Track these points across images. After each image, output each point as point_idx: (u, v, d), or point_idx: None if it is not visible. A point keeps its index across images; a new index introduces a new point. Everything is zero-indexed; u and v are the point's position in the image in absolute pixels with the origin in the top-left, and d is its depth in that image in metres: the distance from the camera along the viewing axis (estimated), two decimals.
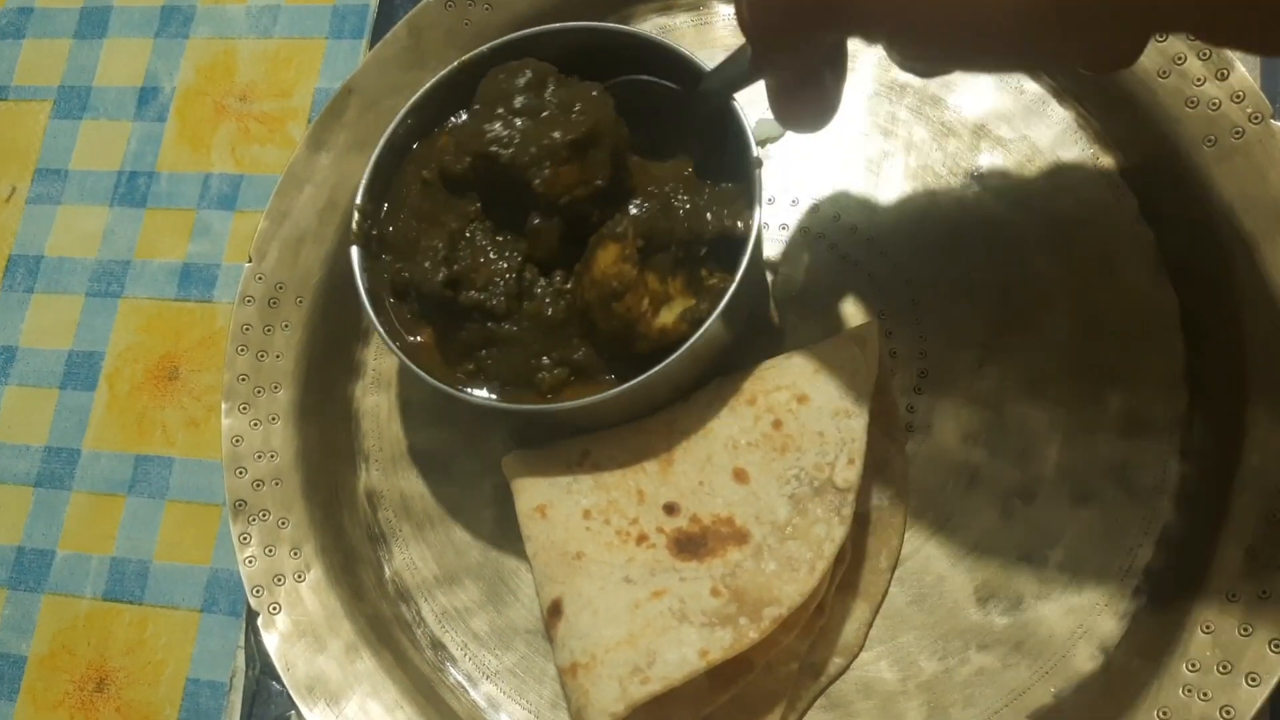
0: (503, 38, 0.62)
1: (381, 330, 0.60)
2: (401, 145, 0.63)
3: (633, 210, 0.58)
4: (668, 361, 0.57)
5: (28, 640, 0.72)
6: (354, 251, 0.62)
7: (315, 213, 0.70)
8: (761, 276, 0.65)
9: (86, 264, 0.79)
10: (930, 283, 0.64)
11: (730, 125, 0.59)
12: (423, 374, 0.59)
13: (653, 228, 0.58)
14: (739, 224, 0.58)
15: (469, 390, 0.59)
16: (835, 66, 0.51)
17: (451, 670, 0.63)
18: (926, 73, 0.53)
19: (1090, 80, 0.64)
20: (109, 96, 0.83)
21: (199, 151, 0.80)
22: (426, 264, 0.60)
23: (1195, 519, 0.57)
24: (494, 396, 0.59)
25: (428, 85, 0.63)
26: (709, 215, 0.58)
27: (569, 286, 0.59)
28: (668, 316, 0.58)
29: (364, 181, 0.62)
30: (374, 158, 0.62)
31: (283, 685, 0.63)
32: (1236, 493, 0.56)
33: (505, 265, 0.59)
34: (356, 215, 0.62)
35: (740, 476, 0.59)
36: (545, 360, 0.59)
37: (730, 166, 0.60)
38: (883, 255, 0.65)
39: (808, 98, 0.52)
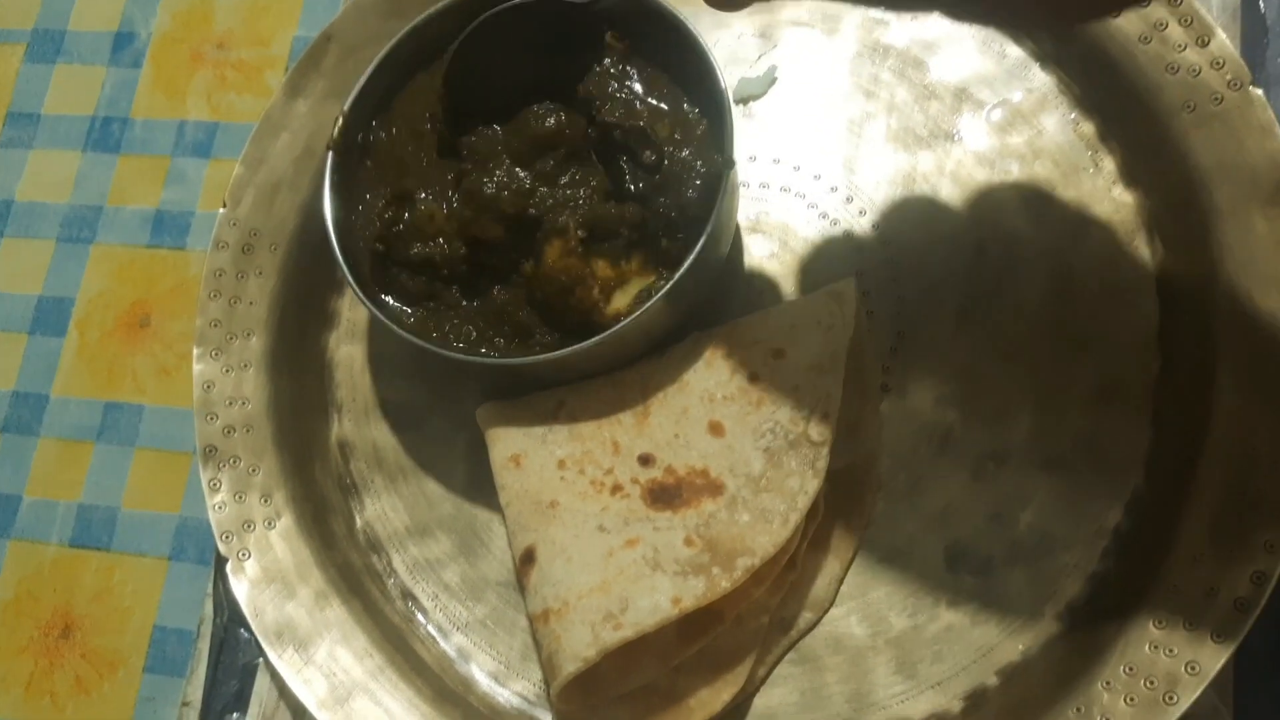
0: None
1: (353, 282, 0.59)
2: (401, 66, 0.62)
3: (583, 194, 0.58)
4: (634, 315, 0.56)
5: None
6: (329, 157, 0.60)
7: (291, 160, 0.68)
8: (732, 232, 0.63)
9: (58, 209, 0.77)
10: (909, 244, 0.63)
11: (703, 73, 0.58)
12: (396, 328, 0.58)
13: (595, 216, 0.57)
14: (709, 178, 0.57)
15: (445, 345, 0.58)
16: None
17: (422, 621, 0.62)
18: None
19: (1073, 45, 0.63)
20: (83, 41, 0.81)
21: (174, 98, 0.78)
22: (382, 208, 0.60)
23: (1164, 484, 0.57)
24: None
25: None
26: (683, 181, 0.57)
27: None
28: (621, 301, 0.58)
29: (355, 91, 0.61)
30: (369, 71, 0.61)
31: (251, 633, 0.62)
32: (1205, 458, 0.56)
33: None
34: (340, 121, 0.60)
35: (715, 429, 0.58)
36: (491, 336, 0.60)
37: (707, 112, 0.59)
38: (861, 215, 0.64)
39: None
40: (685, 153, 0.58)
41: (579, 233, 0.57)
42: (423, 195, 0.59)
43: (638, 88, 0.60)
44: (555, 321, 0.59)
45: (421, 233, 0.59)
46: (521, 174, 0.58)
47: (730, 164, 0.56)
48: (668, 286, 0.56)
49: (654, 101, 0.59)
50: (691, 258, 0.56)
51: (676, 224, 0.58)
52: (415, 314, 0.60)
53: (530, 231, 0.58)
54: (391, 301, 0.60)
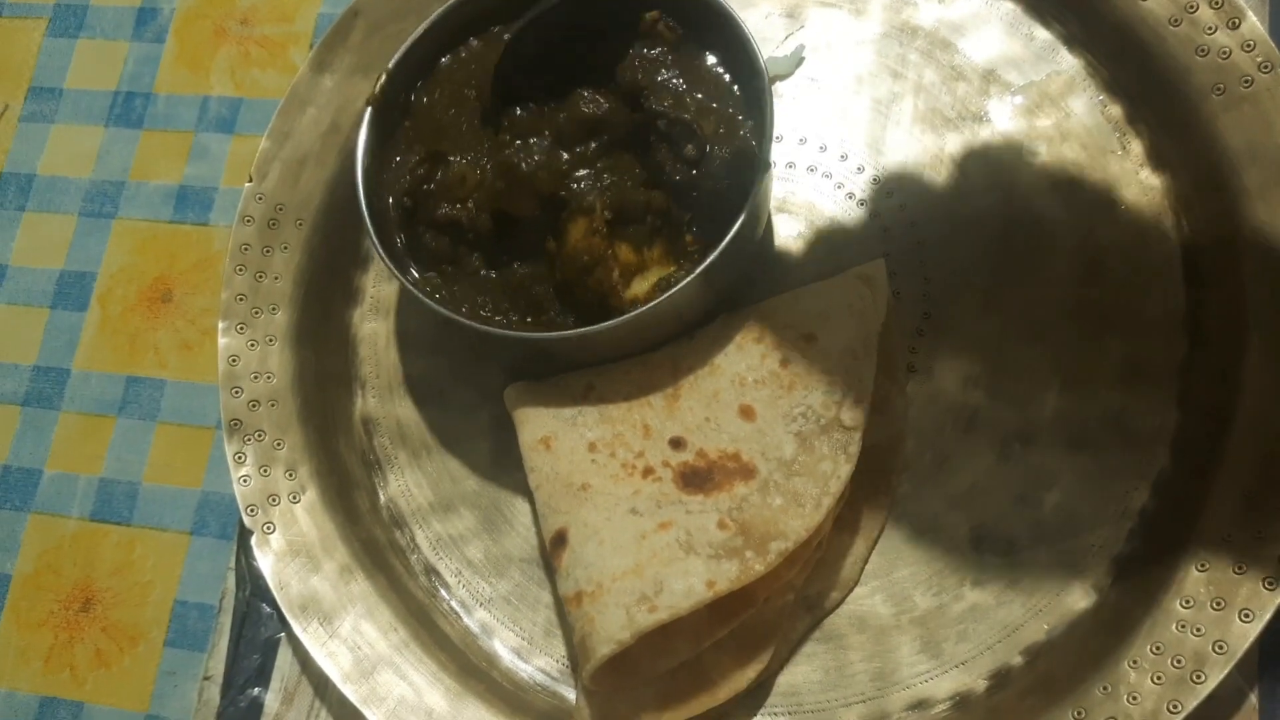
0: None
1: (377, 243, 0.58)
2: (452, 31, 0.61)
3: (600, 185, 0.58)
4: (661, 299, 0.55)
5: (12, 559, 0.69)
6: (367, 112, 0.60)
7: (318, 135, 0.68)
8: (763, 224, 0.63)
9: (80, 184, 0.76)
10: (935, 225, 0.63)
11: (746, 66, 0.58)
12: (426, 299, 0.58)
13: (623, 200, 0.56)
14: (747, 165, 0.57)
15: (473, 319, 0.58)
16: None
17: (445, 596, 0.62)
18: None
19: (1102, 27, 0.63)
20: (106, 16, 0.80)
21: (198, 74, 0.77)
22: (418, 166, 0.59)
23: (1191, 464, 0.56)
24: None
25: None
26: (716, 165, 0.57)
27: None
28: (640, 286, 0.57)
29: (402, 50, 0.60)
30: (418, 32, 0.61)
31: (273, 607, 0.62)
32: (1233, 439, 0.55)
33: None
34: (383, 78, 0.60)
35: (747, 413, 0.58)
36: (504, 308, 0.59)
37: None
38: (889, 196, 0.64)
39: None
40: (725, 149, 0.57)
41: (605, 214, 0.56)
42: (456, 158, 0.59)
43: (686, 79, 0.59)
44: (572, 301, 0.58)
45: (451, 193, 0.58)
46: (562, 155, 0.58)
47: (766, 167, 0.56)
48: (690, 277, 0.55)
49: (701, 95, 0.59)
50: (720, 249, 0.55)
51: (706, 218, 0.57)
52: (434, 282, 0.59)
53: (559, 210, 0.57)
54: (414, 269, 0.60)
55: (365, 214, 0.59)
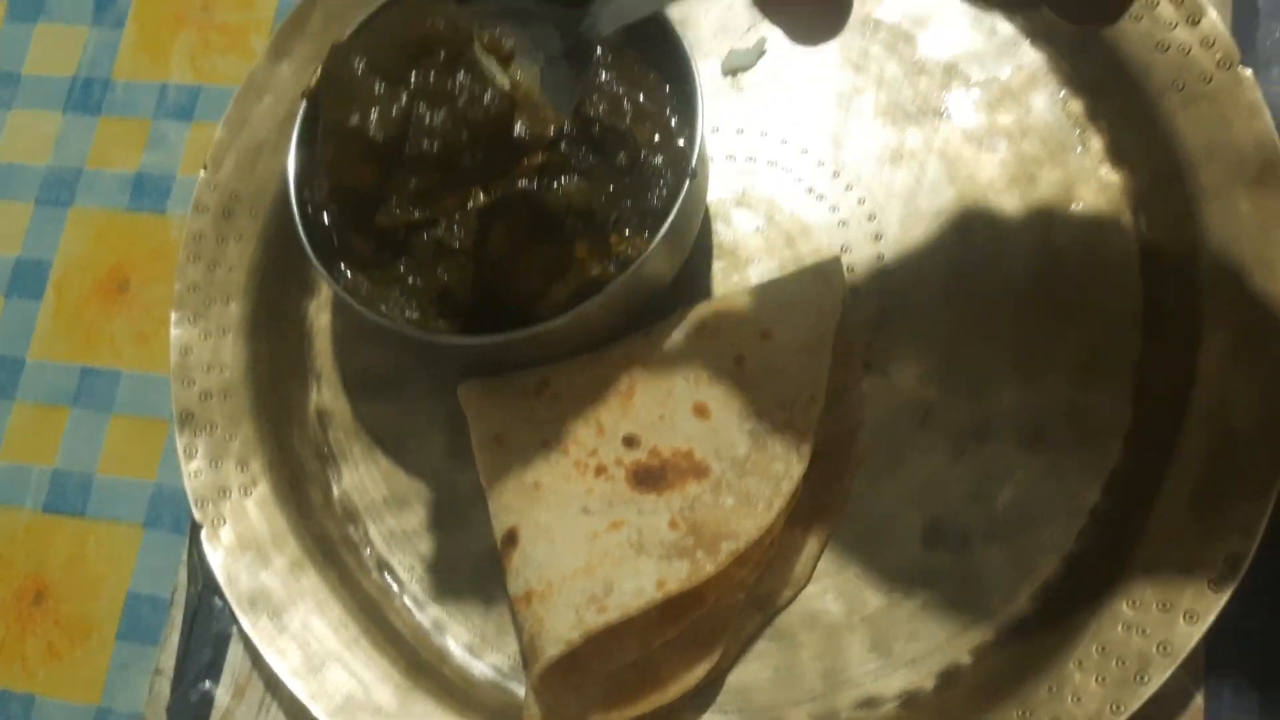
0: None
1: (313, 255, 0.57)
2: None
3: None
4: (572, 313, 0.54)
5: None
6: (303, 105, 0.58)
7: (274, 124, 0.67)
8: (694, 234, 0.61)
9: (36, 171, 0.76)
10: (894, 220, 0.62)
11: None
12: (360, 307, 0.56)
13: (543, 202, 0.55)
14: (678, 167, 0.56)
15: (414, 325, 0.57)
16: None
17: (398, 592, 0.61)
18: None
19: (1064, 23, 0.63)
20: (65, 0, 0.79)
21: (157, 60, 0.76)
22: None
23: (1143, 461, 0.56)
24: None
25: None
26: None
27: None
28: (561, 292, 0.55)
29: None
30: (355, 27, 0.58)
31: (225, 601, 0.62)
32: (1185, 435, 0.55)
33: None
34: (320, 70, 0.57)
35: (701, 411, 0.57)
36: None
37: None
38: (848, 190, 0.63)
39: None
40: (658, 158, 0.56)
41: (523, 216, 0.54)
42: None
43: (623, 83, 0.57)
44: (496, 305, 0.56)
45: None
46: (383, 91, 0.52)
47: (693, 175, 0.55)
48: (610, 286, 0.54)
49: (641, 100, 0.57)
50: (641, 257, 0.54)
51: (638, 222, 0.56)
52: (368, 286, 0.57)
53: (453, 183, 0.54)
54: (348, 272, 0.57)
55: (296, 216, 0.57)
